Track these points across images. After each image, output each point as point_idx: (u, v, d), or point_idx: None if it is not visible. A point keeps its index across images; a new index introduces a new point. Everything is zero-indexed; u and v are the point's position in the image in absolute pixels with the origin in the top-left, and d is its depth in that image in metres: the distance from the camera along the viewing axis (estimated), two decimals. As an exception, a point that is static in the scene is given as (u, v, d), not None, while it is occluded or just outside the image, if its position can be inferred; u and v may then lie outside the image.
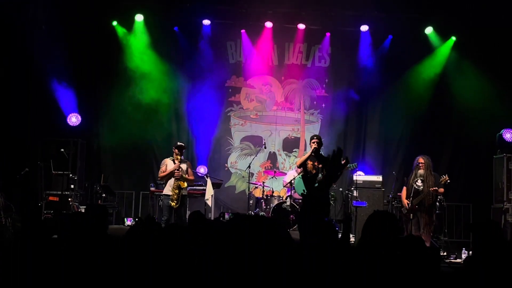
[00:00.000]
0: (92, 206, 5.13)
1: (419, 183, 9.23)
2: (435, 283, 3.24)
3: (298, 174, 10.91)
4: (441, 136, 12.98)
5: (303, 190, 9.44)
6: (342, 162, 3.09)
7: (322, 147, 9.29)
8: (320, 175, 8.79)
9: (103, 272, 3.20)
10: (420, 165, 9.30)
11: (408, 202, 9.21)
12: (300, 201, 10.74)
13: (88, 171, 12.59)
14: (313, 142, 9.00)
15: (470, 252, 8.53)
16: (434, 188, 9.09)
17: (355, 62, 13.16)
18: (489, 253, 3.60)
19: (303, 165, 9.34)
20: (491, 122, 12.20)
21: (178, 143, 9.83)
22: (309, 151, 9.12)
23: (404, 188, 9.57)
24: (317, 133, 12.92)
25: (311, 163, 8.99)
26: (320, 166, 8.85)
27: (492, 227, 3.82)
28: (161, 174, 9.79)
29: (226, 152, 13.43)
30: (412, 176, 9.40)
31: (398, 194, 10.05)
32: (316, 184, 7.59)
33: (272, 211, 10.74)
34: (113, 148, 12.86)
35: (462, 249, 9.68)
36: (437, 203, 9.76)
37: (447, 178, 9.19)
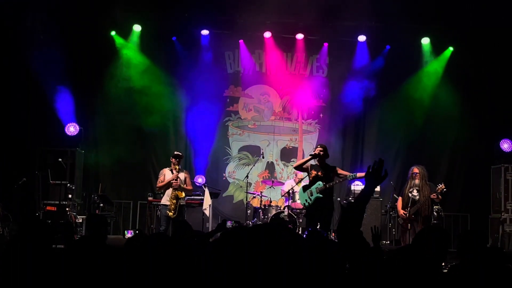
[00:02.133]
0: (91, 216, 5.14)
1: (414, 192, 9.23)
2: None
3: (296, 184, 10.90)
4: (438, 146, 12.99)
5: (305, 201, 9.50)
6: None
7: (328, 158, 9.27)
8: (321, 184, 8.83)
9: (101, 281, 3.20)
10: (415, 175, 9.30)
11: (405, 212, 9.21)
12: (298, 210, 10.73)
13: (86, 180, 12.57)
14: (317, 150, 9.02)
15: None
16: (434, 194, 9.09)
17: (353, 72, 13.19)
18: (475, 260, 3.63)
19: (299, 168, 9.39)
20: (488, 132, 12.24)
21: (175, 153, 9.86)
22: (308, 156, 9.14)
23: (400, 198, 9.56)
24: (315, 143, 12.96)
25: (315, 172, 9.00)
26: (321, 175, 8.88)
27: (477, 236, 3.86)
28: (159, 184, 9.81)
29: (224, 162, 13.43)
30: (408, 186, 9.40)
31: (396, 204, 10.05)
32: (319, 194, 7.60)
33: (270, 221, 10.72)
34: (111, 158, 12.85)
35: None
36: (435, 213, 9.77)
37: (443, 187, 9.19)
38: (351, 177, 8.92)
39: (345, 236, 2.91)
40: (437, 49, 12.96)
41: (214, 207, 11.79)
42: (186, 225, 5.42)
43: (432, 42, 12.90)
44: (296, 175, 11.69)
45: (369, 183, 3.00)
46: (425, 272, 3.16)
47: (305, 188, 9.10)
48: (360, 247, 2.82)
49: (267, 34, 13.04)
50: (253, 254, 1.78)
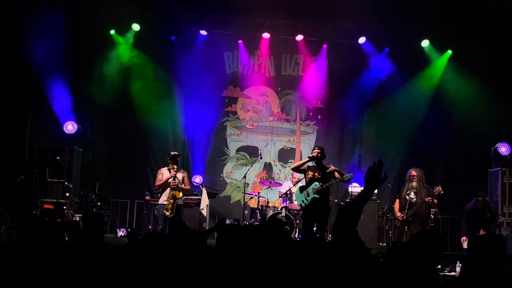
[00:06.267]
0: (88, 214, 5.13)
1: (412, 195, 9.25)
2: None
3: (294, 185, 10.91)
4: (436, 149, 12.99)
5: (302, 201, 9.51)
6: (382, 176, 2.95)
7: (325, 159, 9.32)
8: (317, 185, 8.85)
9: (98, 280, 3.20)
10: (413, 177, 9.34)
11: (402, 214, 9.23)
12: (295, 211, 10.74)
13: (83, 179, 12.54)
14: (314, 152, 9.06)
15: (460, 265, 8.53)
16: (429, 198, 9.12)
17: (352, 74, 13.20)
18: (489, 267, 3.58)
19: (297, 170, 9.41)
20: (486, 136, 12.25)
21: (172, 153, 9.89)
22: (306, 158, 9.18)
23: (397, 200, 9.58)
24: (312, 144, 12.98)
25: (311, 173, 9.02)
26: (319, 176, 8.91)
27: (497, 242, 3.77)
28: (157, 183, 9.84)
29: (222, 162, 13.43)
30: (405, 189, 9.43)
31: (393, 206, 10.06)
32: (316, 195, 7.59)
33: (265, 222, 10.72)
34: (108, 157, 12.88)
35: (456, 262, 9.68)
36: (432, 216, 9.78)
37: (441, 189, 9.23)
38: (347, 178, 8.94)
39: (340, 233, 2.91)
40: (436, 52, 12.97)
41: (211, 207, 11.81)
42: (182, 224, 5.43)
43: (431, 44, 12.91)
44: (293, 176, 11.71)
45: (368, 184, 3.00)
46: (419, 274, 3.15)
47: (301, 189, 9.12)
48: (354, 246, 2.82)
49: (266, 35, 13.04)
50: (252, 252, 1.79)
